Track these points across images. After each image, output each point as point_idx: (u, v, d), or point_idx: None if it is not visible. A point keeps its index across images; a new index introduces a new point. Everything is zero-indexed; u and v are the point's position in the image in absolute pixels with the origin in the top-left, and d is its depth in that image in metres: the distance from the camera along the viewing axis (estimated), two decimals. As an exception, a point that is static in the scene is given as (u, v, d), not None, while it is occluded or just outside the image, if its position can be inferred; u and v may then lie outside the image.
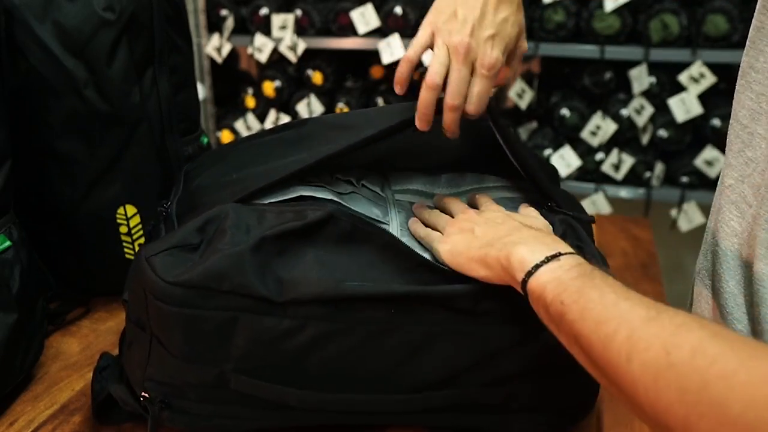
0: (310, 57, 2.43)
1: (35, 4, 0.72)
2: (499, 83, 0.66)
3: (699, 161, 2.11)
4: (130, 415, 0.64)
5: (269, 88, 2.49)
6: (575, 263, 0.50)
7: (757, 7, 0.56)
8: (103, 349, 0.76)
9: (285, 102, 2.51)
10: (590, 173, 2.25)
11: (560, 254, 0.51)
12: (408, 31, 2.21)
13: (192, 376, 0.58)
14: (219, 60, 2.46)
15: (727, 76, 2.11)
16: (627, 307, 0.44)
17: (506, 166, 0.69)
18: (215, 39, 2.44)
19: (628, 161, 2.18)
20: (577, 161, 2.21)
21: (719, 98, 2.10)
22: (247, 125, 2.54)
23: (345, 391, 0.59)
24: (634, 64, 2.11)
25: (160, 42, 0.80)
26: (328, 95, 2.47)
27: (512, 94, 2.31)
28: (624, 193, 2.24)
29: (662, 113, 2.14)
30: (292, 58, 2.37)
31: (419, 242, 0.64)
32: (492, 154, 0.70)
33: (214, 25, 2.46)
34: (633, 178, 2.21)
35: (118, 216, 0.81)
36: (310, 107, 2.44)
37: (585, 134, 2.20)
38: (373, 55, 2.31)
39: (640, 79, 2.11)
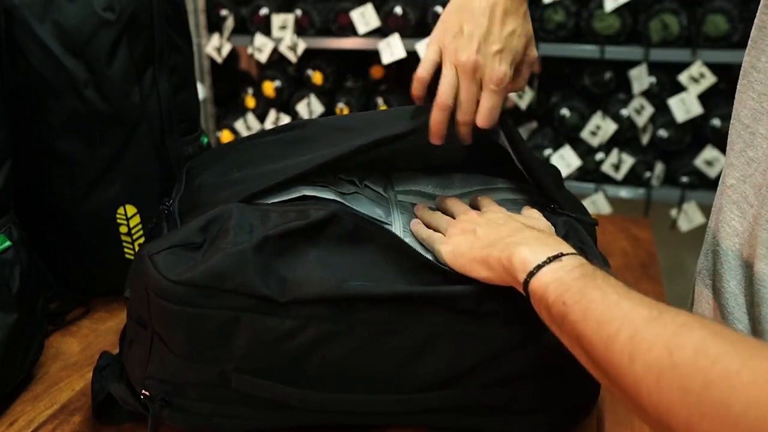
0: (310, 57, 2.43)
1: (35, 4, 0.72)
2: (511, 91, 0.66)
3: (699, 161, 2.11)
4: (130, 415, 0.64)
5: (269, 88, 2.49)
6: (577, 264, 0.50)
7: (760, 6, 0.56)
8: (103, 348, 0.76)
9: (285, 102, 2.51)
10: (590, 173, 2.25)
11: (562, 255, 0.51)
12: (408, 31, 2.20)
13: (193, 375, 0.58)
14: (219, 60, 2.46)
15: (727, 76, 2.11)
16: (629, 308, 0.43)
17: (509, 168, 0.69)
18: (215, 39, 2.44)
19: (628, 161, 2.18)
20: (577, 161, 2.21)
21: (719, 98, 2.10)
22: (247, 125, 2.54)
23: (346, 391, 0.59)
24: (634, 64, 2.11)
25: (160, 42, 0.80)
26: (328, 95, 2.47)
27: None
28: (624, 193, 2.24)
29: (662, 113, 2.14)
30: (292, 58, 2.37)
31: (421, 243, 0.64)
32: (495, 155, 0.70)
33: (214, 25, 2.46)
34: (633, 178, 2.21)
35: (118, 216, 0.81)
36: (310, 107, 2.44)
37: (585, 134, 2.20)
38: (373, 55, 2.31)
39: (640, 79, 2.11)
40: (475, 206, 0.68)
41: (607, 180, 2.25)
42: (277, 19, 2.35)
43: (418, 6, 2.21)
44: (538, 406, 0.62)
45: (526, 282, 0.51)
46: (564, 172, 2.21)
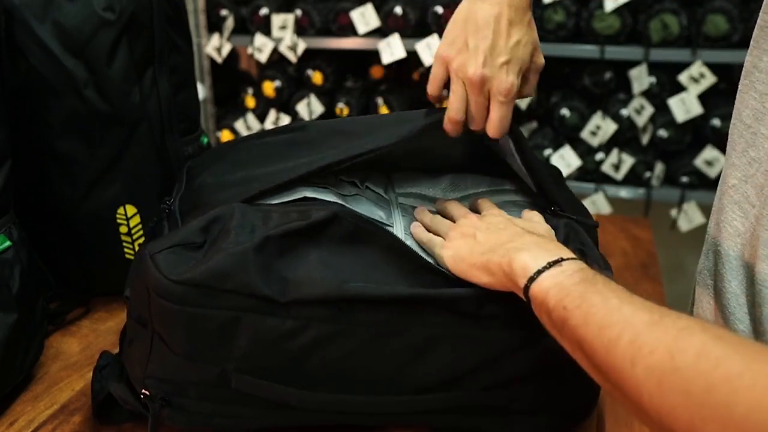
0: (310, 57, 2.42)
1: (35, 4, 0.72)
2: (519, 98, 0.67)
3: (699, 161, 2.11)
4: (130, 415, 0.64)
5: (269, 88, 2.49)
6: (577, 268, 0.50)
7: (762, 6, 0.56)
8: (103, 348, 0.76)
9: (285, 102, 2.51)
10: (590, 173, 2.25)
11: (562, 260, 0.51)
12: (408, 31, 2.20)
13: (193, 374, 0.57)
14: (219, 60, 2.46)
15: (727, 76, 2.11)
16: (630, 312, 0.43)
17: (510, 169, 0.69)
18: (215, 39, 2.44)
19: (628, 161, 2.18)
20: (577, 161, 2.21)
21: (719, 98, 2.09)
22: (247, 125, 2.54)
23: (346, 392, 0.59)
24: (634, 64, 2.11)
25: (160, 42, 0.79)
26: (328, 95, 2.46)
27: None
28: (624, 193, 2.24)
29: (662, 113, 2.14)
30: (292, 58, 2.37)
31: (421, 246, 0.64)
32: (496, 156, 0.70)
33: (214, 25, 2.45)
34: (633, 178, 2.21)
35: (118, 216, 0.81)
36: (310, 107, 2.44)
37: (585, 134, 2.20)
38: (373, 55, 2.31)
39: (640, 79, 2.11)
40: (475, 209, 0.67)
41: (607, 180, 2.25)
42: (277, 19, 2.34)
43: (418, 6, 2.21)
44: (538, 408, 0.62)
45: (527, 287, 0.51)
46: (564, 172, 2.20)
